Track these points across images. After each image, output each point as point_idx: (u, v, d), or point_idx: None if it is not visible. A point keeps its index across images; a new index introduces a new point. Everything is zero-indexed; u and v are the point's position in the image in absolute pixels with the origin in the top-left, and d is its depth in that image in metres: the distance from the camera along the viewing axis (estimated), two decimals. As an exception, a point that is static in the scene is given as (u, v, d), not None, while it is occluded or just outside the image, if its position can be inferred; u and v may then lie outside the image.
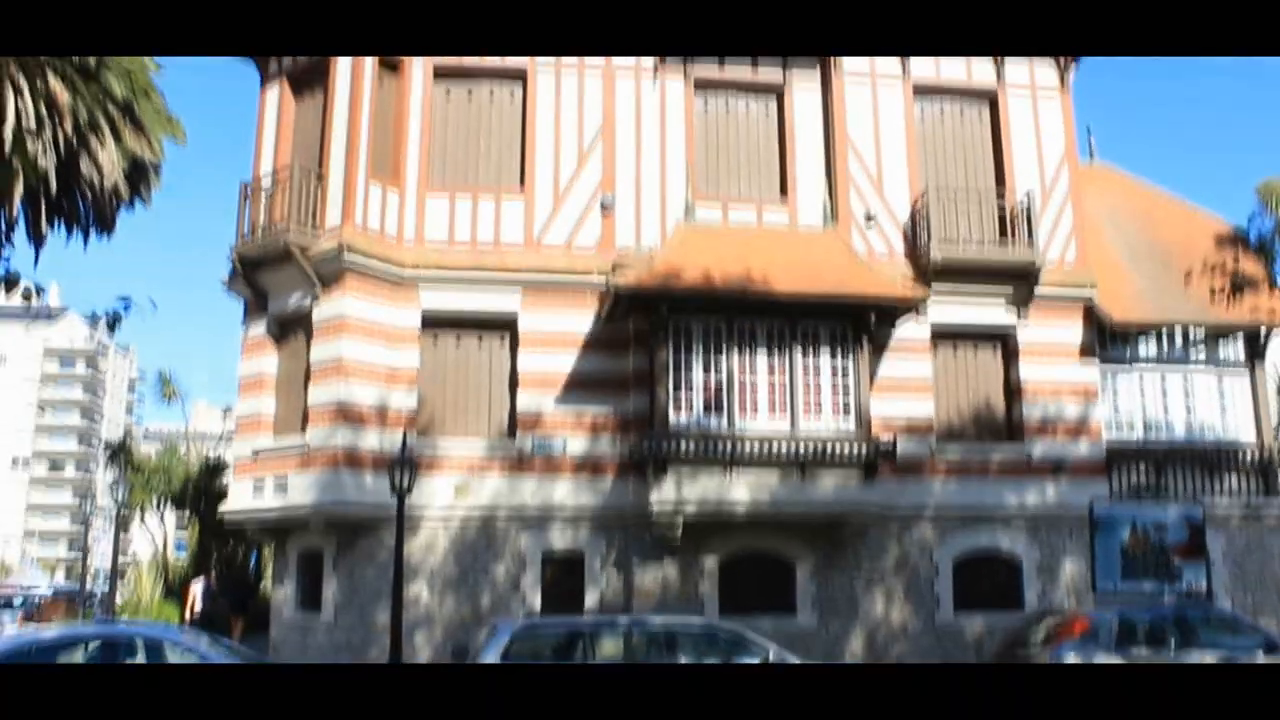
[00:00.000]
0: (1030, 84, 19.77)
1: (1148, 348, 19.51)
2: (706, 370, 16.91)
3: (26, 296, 6.16)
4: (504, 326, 17.72)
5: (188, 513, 30.37)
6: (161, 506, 30.79)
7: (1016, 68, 19.76)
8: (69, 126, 20.52)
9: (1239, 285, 13.42)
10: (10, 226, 22.34)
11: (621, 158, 18.40)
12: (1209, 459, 18.94)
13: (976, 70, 19.67)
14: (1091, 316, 18.92)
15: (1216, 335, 19.49)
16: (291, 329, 17.71)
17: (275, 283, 17.51)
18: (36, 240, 22.55)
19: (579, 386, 17.43)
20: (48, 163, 20.45)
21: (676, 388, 16.78)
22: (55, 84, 20.16)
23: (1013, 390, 18.72)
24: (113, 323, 7.04)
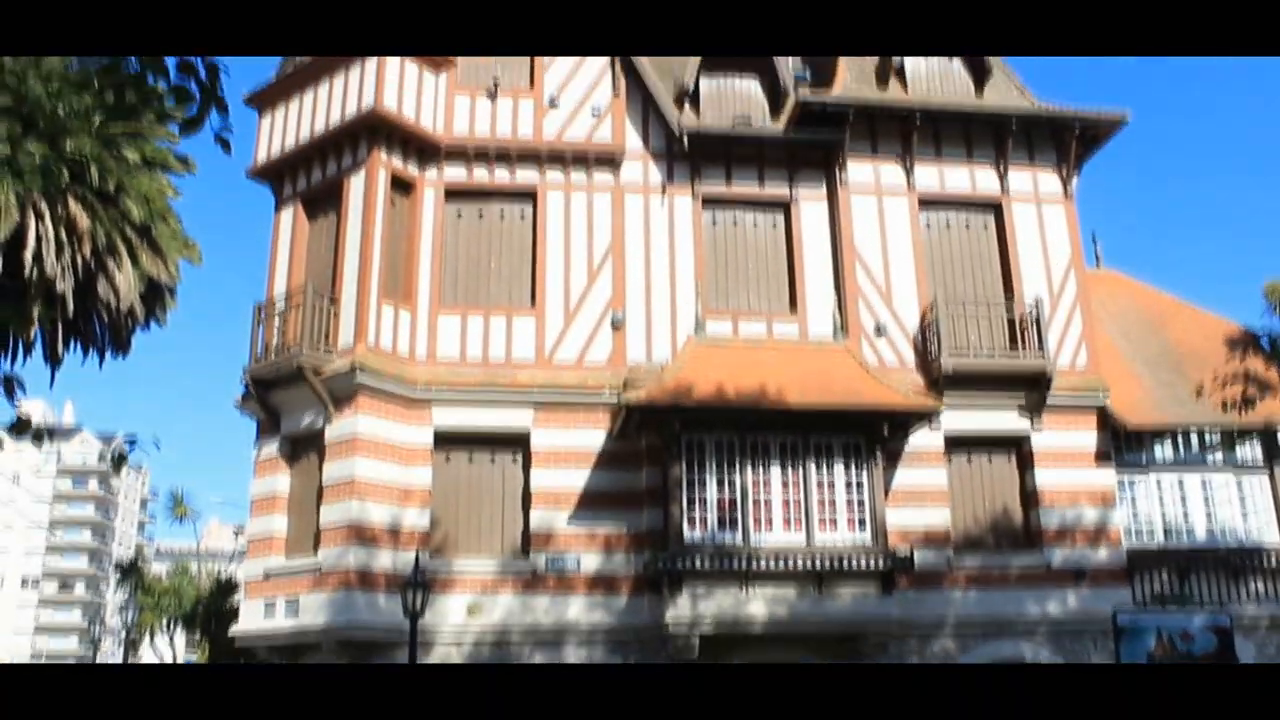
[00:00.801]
0: (1034, 192, 20.03)
1: (1164, 451, 19.39)
2: (720, 485, 16.83)
3: (38, 438, 6.15)
4: (517, 443, 17.71)
5: (198, 633, 30.05)
6: (171, 628, 30.49)
7: (1020, 176, 20.05)
8: (87, 250, 20.88)
9: (1250, 400, 13.48)
10: (28, 348, 22.63)
11: (631, 274, 18.59)
12: (1233, 563, 18.64)
13: (980, 180, 19.97)
14: (1105, 421, 18.83)
15: (1233, 436, 19.37)
16: (304, 448, 17.72)
17: (288, 403, 17.58)
18: (53, 362, 22.81)
19: (592, 503, 17.34)
20: (66, 286, 20.78)
21: (690, 503, 16.67)
22: (75, 208, 20.57)
23: (1029, 497, 18.57)
24: (118, 463, 7.04)
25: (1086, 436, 18.81)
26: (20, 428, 6.02)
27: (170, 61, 4.78)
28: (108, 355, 23.84)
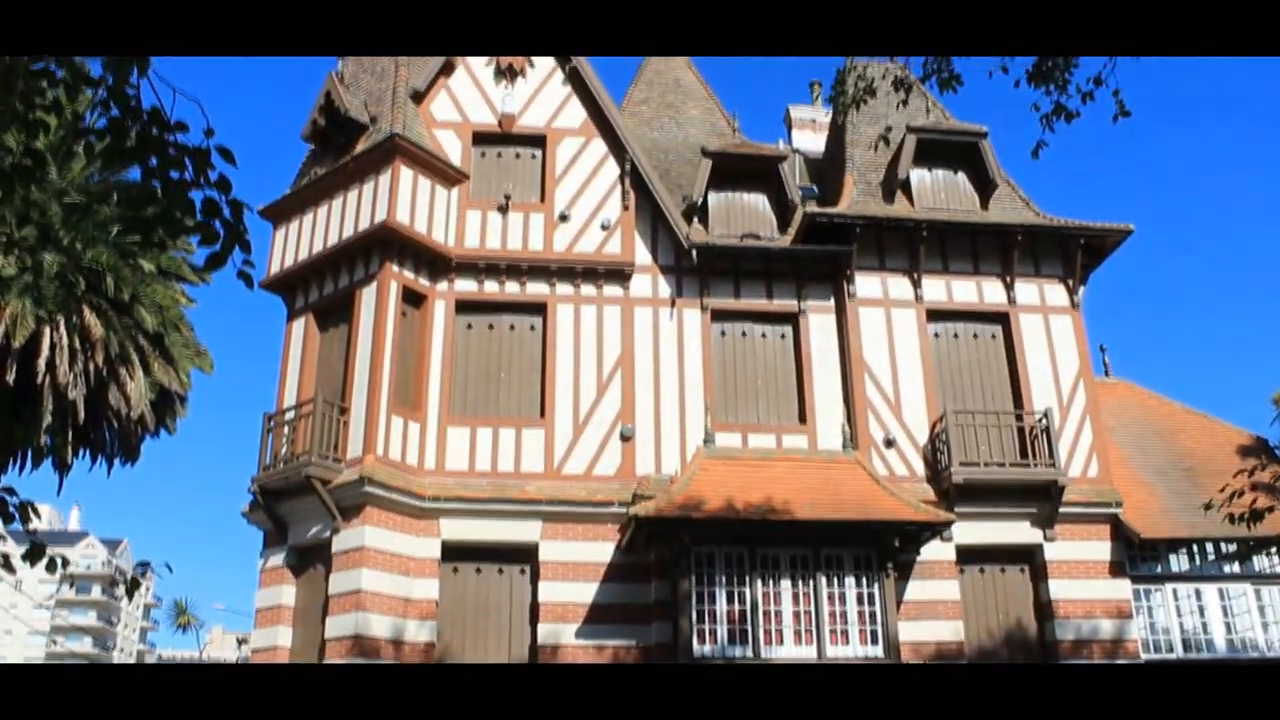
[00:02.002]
0: (1041, 303, 20.15)
1: (1179, 561, 19.16)
2: (730, 599, 16.64)
3: (51, 568, 6.13)
4: (525, 556, 17.57)
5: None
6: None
7: (1027, 288, 20.19)
8: (100, 358, 21.08)
9: (1258, 514, 13.44)
10: (37, 456, 22.66)
11: (640, 386, 18.64)
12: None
13: (987, 292, 20.10)
14: (1119, 532, 18.65)
15: (1249, 546, 19.13)
16: (310, 560, 17.60)
17: (295, 513, 17.52)
18: (61, 470, 22.84)
19: (600, 616, 17.13)
20: (77, 393, 20.91)
21: (699, 617, 16.47)
22: (90, 317, 20.83)
23: (1043, 609, 18.31)
24: (130, 589, 7.01)
25: (1100, 547, 18.62)
26: (34, 554, 6.00)
27: (195, 196, 4.86)
28: (116, 463, 23.93)
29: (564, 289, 19.16)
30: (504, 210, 19.33)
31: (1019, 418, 19.05)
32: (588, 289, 19.20)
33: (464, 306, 18.98)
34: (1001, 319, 20.05)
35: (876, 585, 16.90)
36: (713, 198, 20.56)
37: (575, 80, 20.47)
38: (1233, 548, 18.97)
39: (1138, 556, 18.91)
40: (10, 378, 19.70)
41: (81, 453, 23.36)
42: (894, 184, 20.68)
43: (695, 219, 20.28)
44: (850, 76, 10.23)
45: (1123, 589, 18.48)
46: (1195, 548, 19.14)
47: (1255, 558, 19.18)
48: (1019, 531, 18.50)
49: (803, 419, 18.87)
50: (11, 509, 5.94)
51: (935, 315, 19.88)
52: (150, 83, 4.82)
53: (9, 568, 6.16)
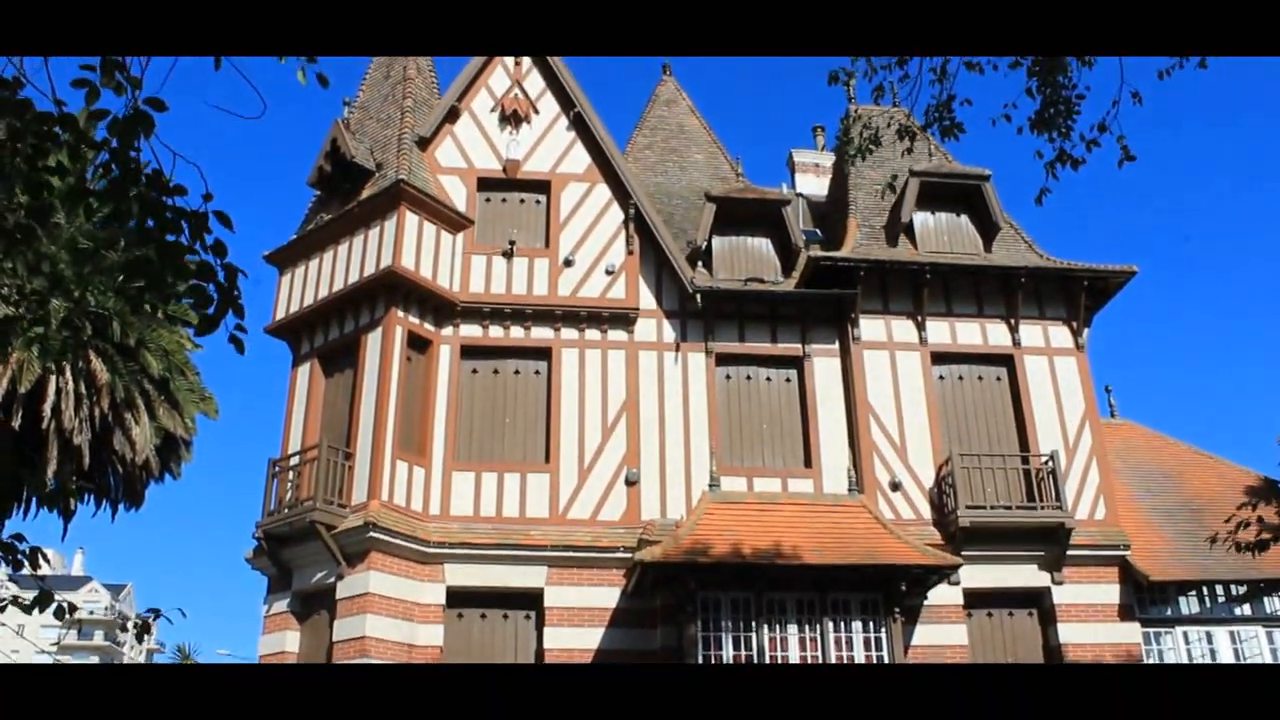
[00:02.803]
0: (1045, 345, 20.13)
1: (1189, 604, 19.01)
2: (736, 644, 16.52)
3: (60, 615, 6.12)
4: (530, 602, 17.47)
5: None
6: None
7: (1031, 330, 20.17)
8: (106, 404, 21.08)
9: (1263, 544, 13.41)
10: (42, 502, 22.61)
11: (645, 431, 18.63)
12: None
13: (992, 334, 20.11)
14: (1128, 574, 18.52)
15: (1259, 587, 19.01)
16: (314, 606, 17.52)
17: (299, 559, 17.47)
18: (65, 515, 22.79)
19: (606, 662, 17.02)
20: (83, 439, 20.90)
21: (706, 662, 16.34)
22: (96, 363, 20.85)
23: (1052, 653, 18.15)
24: (141, 634, 7.02)
25: (1109, 590, 18.49)
26: (43, 601, 5.99)
27: (191, 258, 4.89)
28: (121, 507, 23.89)
29: (569, 334, 19.19)
30: (509, 255, 19.41)
31: (1025, 460, 18.99)
32: (592, 333, 19.23)
33: (469, 351, 19.01)
34: (1006, 361, 20.04)
35: (883, 630, 16.79)
36: (717, 242, 20.64)
37: (579, 126, 20.61)
38: (1243, 589, 18.86)
39: (1147, 599, 18.76)
40: (16, 423, 19.69)
41: (86, 497, 23.33)
42: (897, 227, 20.75)
43: (699, 263, 20.34)
44: (855, 126, 10.28)
45: (1132, 632, 18.33)
46: (1205, 590, 19.00)
47: (1266, 599, 19.07)
48: (1026, 575, 18.38)
49: (808, 463, 18.83)
50: (20, 555, 5.95)
51: (940, 358, 19.88)
52: (152, 147, 4.87)
53: (24, 608, 6.15)
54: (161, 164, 4.87)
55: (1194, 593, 19.03)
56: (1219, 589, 18.97)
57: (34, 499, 22.57)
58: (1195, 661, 18.64)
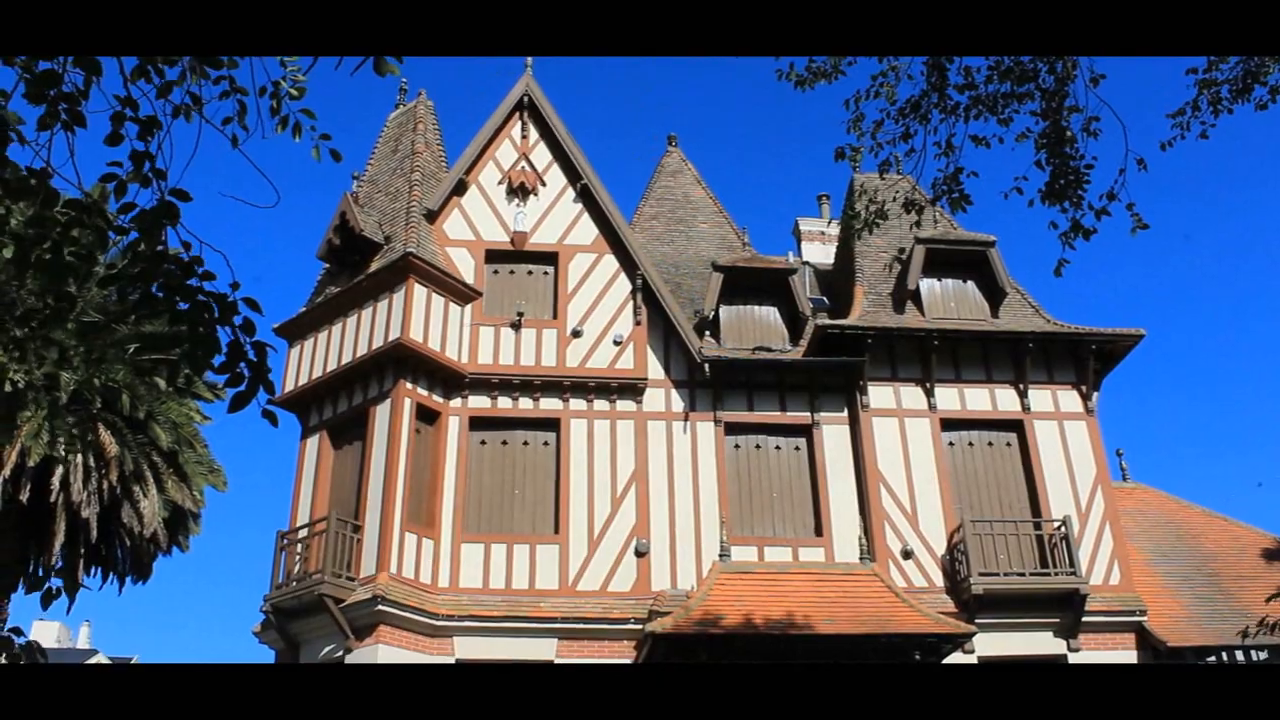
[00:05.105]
0: (1055, 410, 20.10)
1: (1206, 672, 18.76)
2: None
3: None
4: (540, 675, 17.29)
5: None
6: None
7: (1040, 395, 20.16)
8: (114, 476, 21.05)
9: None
10: (48, 573, 22.50)
11: (655, 501, 18.57)
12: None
13: (1001, 399, 20.09)
14: (1145, 640, 18.31)
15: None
16: (323, 681, 17.33)
17: (307, 632, 17.33)
18: (70, 589, 22.65)
19: (618, 737, 16.79)
20: (91, 512, 20.84)
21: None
22: (105, 435, 20.85)
23: (1069, 725, 17.88)
24: None
25: (1126, 657, 18.26)
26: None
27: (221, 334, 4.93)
28: (128, 580, 23.77)
29: (577, 404, 19.21)
30: (517, 327, 19.48)
31: (1037, 526, 18.87)
32: (601, 404, 19.25)
33: (477, 423, 19.01)
34: (1016, 426, 19.99)
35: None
36: (724, 311, 20.72)
37: (586, 197, 20.79)
38: (1264, 655, 18.62)
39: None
40: (24, 496, 19.67)
41: (93, 571, 23.21)
42: (904, 294, 20.81)
43: (707, 332, 20.40)
44: (860, 200, 10.32)
45: (1151, 701, 18.05)
46: (1224, 656, 18.76)
47: (1285, 665, 18.82)
48: (1042, 642, 18.17)
49: (819, 531, 18.73)
50: (19, 649, 5.90)
51: (949, 424, 19.84)
52: (178, 233, 4.93)
53: None
54: (186, 249, 4.94)
55: (1212, 658, 18.78)
56: (1239, 654, 18.72)
57: (39, 570, 22.42)
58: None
